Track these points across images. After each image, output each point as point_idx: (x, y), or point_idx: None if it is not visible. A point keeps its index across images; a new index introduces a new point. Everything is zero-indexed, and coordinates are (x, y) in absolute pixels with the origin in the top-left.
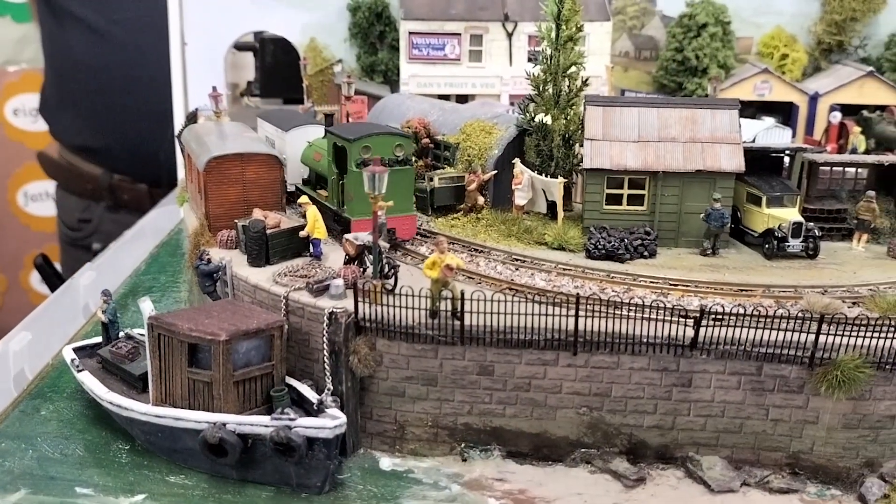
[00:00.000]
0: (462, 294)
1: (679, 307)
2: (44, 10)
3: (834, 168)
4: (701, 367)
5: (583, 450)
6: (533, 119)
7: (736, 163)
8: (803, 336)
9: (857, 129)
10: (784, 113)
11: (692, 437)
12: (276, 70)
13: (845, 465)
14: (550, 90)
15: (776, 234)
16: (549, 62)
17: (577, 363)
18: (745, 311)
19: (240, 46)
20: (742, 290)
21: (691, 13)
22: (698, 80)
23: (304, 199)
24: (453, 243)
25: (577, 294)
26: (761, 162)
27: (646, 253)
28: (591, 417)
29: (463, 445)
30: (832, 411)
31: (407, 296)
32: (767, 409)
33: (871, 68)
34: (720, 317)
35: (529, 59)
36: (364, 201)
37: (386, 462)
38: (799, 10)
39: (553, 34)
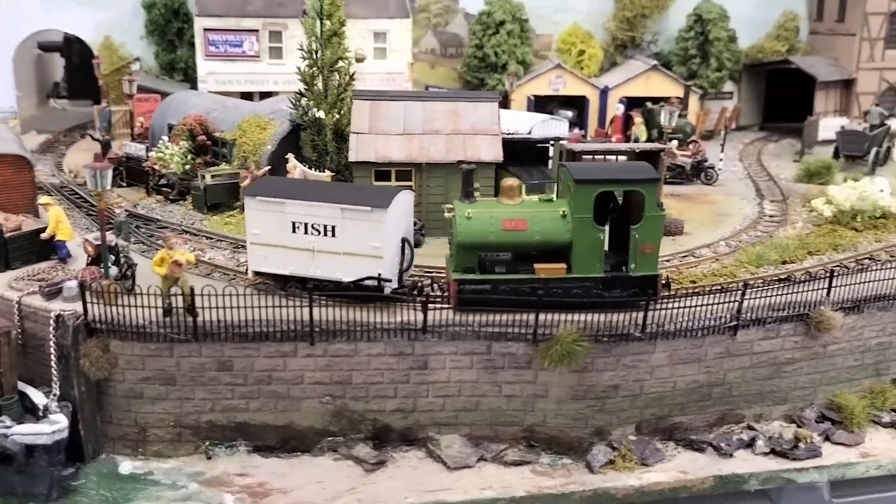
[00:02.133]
0: (192, 289)
1: (408, 292)
2: None
3: (596, 156)
4: (435, 350)
5: (329, 438)
6: (306, 114)
7: (494, 153)
8: (524, 315)
9: (639, 119)
10: (582, 107)
11: (433, 418)
12: (84, 70)
13: (576, 434)
14: (320, 85)
15: None
16: (314, 57)
17: (316, 353)
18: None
19: (46, 46)
20: None
21: (489, 11)
22: (498, 76)
23: (44, 199)
24: (220, 240)
25: (311, 285)
26: (530, 152)
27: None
28: (334, 406)
29: (208, 443)
30: (559, 384)
31: (139, 294)
32: (500, 385)
33: (655, 62)
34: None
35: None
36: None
37: (126, 465)
38: (594, 8)
39: (317, 29)
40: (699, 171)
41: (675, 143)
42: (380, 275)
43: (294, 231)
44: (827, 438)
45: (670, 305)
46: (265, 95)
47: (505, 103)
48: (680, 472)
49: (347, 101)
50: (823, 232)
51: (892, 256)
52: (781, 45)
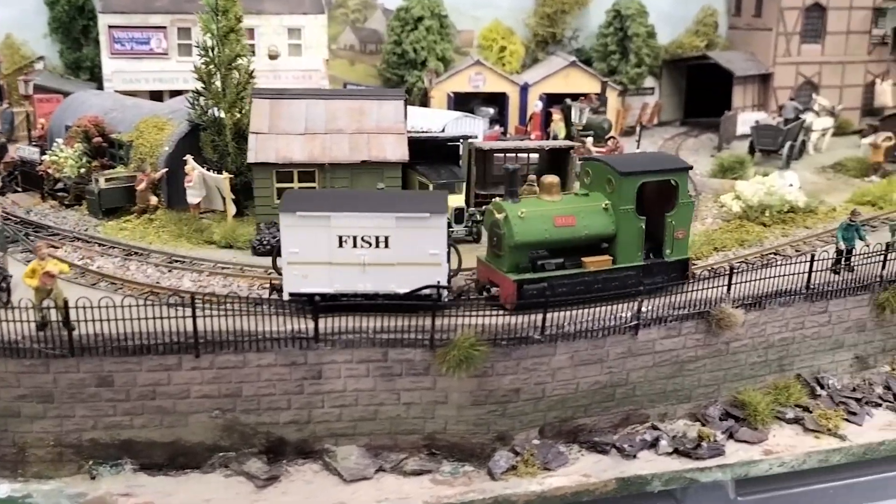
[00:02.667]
0: (66, 302)
1: (294, 300)
2: None
3: (507, 154)
4: (329, 358)
5: (220, 454)
6: (205, 113)
7: (400, 152)
8: (421, 320)
9: (557, 116)
10: (503, 104)
11: (330, 429)
12: None
13: (478, 440)
14: (218, 83)
15: None
16: (211, 54)
17: (202, 365)
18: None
19: None
20: None
21: (407, 6)
22: (418, 72)
23: None
24: (113, 247)
25: (192, 293)
26: (440, 151)
27: None
28: (225, 420)
29: (91, 463)
30: (459, 390)
31: (12, 308)
32: (399, 393)
33: (574, 59)
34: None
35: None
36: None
37: (3, 488)
38: (514, 4)
39: (213, 26)
40: None
41: (590, 139)
42: (439, 282)
43: (341, 246)
44: (731, 436)
45: (570, 306)
46: (176, 94)
47: (425, 100)
48: (582, 475)
49: (248, 99)
50: (731, 227)
51: (797, 251)
52: (700, 40)
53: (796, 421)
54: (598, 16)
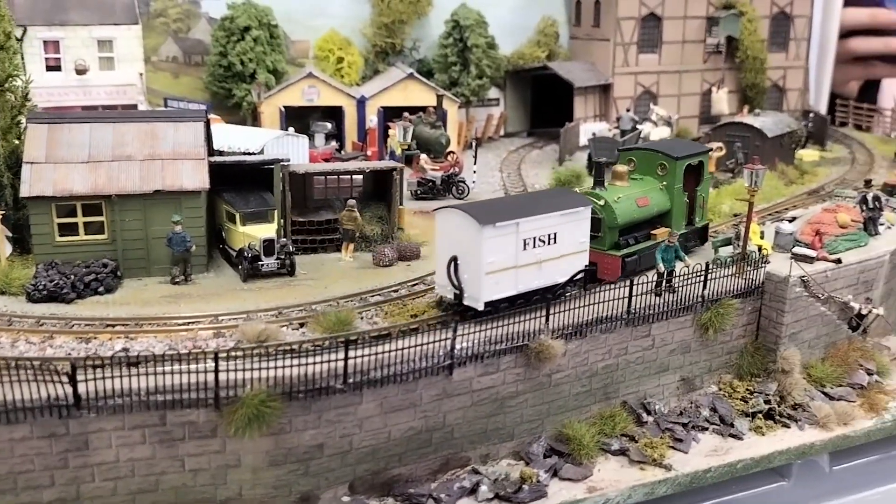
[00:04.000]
0: None
1: (47, 361)
2: None
3: (328, 177)
4: (96, 427)
5: None
6: None
7: (200, 180)
8: (203, 376)
9: (393, 132)
10: (341, 118)
11: None
12: None
13: None
14: None
15: (246, 253)
16: None
17: None
18: (128, 355)
19: None
20: (190, 323)
21: (232, 16)
22: (247, 86)
23: None
24: None
25: None
26: (252, 175)
27: (101, 288)
28: None
29: None
30: (253, 451)
31: None
32: (183, 459)
33: (411, 70)
34: (98, 366)
35: None
36: None
37: None
38: (351, 13)
39: None
40: (450, 186)
41: (424, 156)
42: (586, 266)
43: (524, 248)
44: (555, 474)
45: (375, 350)
46: None
47: (256, 115)
48: None
49: (24, 124)
50: None
51: None
52: (542, 50)
53: (622, 452)
54: (438, 26)
